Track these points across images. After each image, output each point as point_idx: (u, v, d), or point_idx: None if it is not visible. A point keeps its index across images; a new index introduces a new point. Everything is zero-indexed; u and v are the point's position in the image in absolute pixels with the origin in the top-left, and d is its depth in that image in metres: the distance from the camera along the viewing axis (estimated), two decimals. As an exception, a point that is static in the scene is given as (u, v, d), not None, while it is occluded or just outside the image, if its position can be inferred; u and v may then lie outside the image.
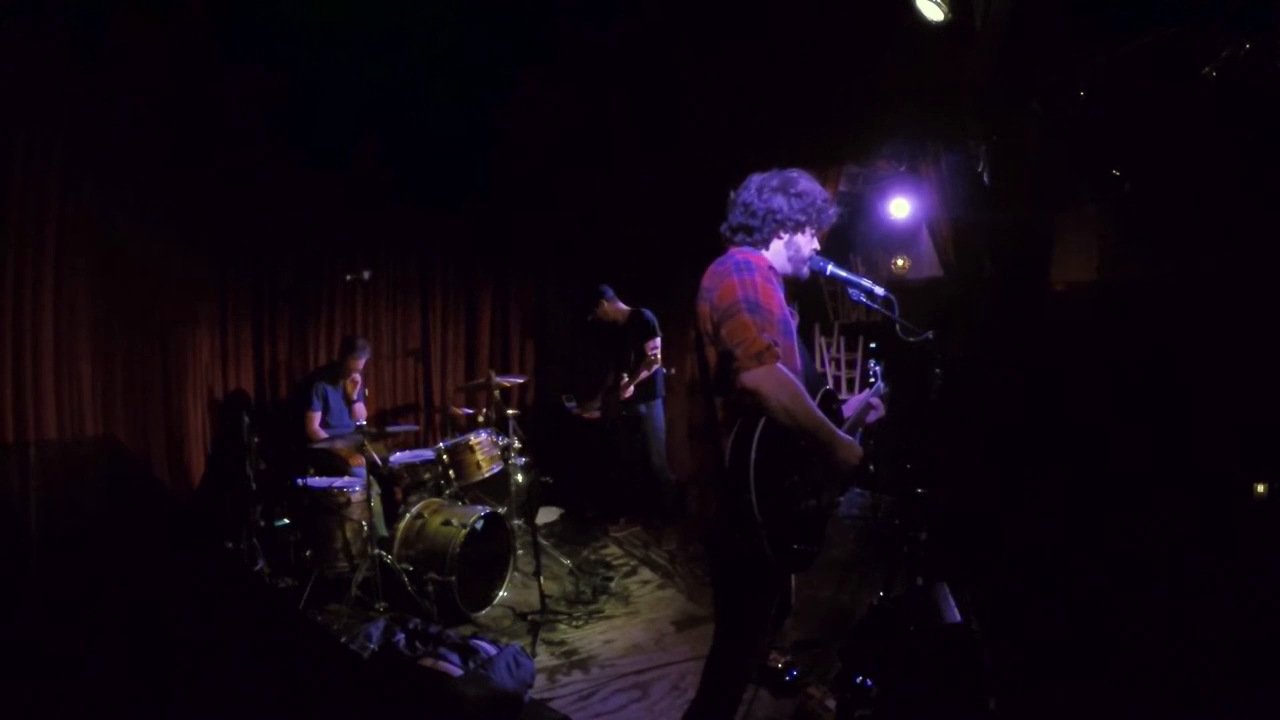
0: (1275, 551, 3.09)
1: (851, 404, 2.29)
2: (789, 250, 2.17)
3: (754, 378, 1.85)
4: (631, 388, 5.00)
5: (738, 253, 2.11)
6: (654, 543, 5.05)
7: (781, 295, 2.05)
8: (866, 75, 4.04)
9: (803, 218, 2.13)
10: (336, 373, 4.80)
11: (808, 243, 2.18)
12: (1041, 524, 3.84)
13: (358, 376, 4.84)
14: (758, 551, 1.87)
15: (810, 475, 1.99)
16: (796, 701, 2.89)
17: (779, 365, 1.87)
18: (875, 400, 2.29)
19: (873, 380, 2.40)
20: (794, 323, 2.11)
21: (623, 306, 5.19)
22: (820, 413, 1.93)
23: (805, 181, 2.16)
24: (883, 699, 2.60)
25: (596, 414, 5.40)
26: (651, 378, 5.00)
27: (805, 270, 2.20)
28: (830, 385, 2.18)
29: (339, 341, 5.19)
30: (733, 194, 2.20)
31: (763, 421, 1.87)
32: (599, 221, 6.18)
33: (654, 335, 5.01)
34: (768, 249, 2.16)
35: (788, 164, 2.23)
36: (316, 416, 4.64)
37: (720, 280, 2.00)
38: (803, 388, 1.89)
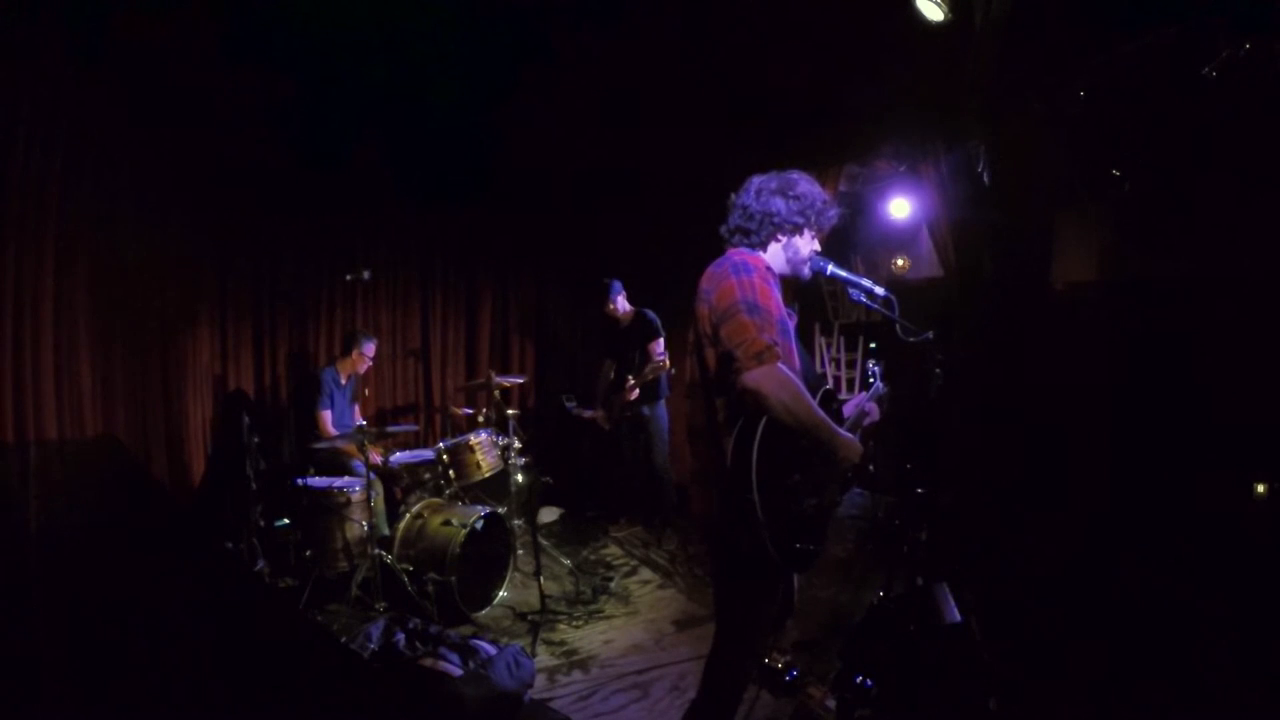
0: (1275, 551, 3.09)
1: (850, 405, 2.29)
2: (787, 252, 2.18)
3: (755, 377, 1.85)
4: (636, 389, 4.99)
5: (735, 254, 2.11)
6: (654, 543, 5.05)
7: (779, 295, 2.06)
8: (867, 75, 4.04)
9: (800, 220, 2.14)
10: (344, 368, 4.79)
11: (807, 244, 2.19)
12: (1041, 524, 3.83)
13: (369, 363, 4.86)
14: (760, 550, 1.87)
15: (812, 474, 1.99)
16: (796, 701, 2.88)
17: (779, 365, 1.87)
18: (871, 405, 2.30)
19: (872, 381, 2.41)
20: (792, 323, 2.11)
21: (627, 306, 5.17)
22: (821, 411, 1.93)
23: (805, 184, 2.17)
24: (883, 699, 2.60)
25: (600, 414, 5.37)
26: (656, 379, 5.00)
27: (806, 271, 2.20)
28: (830, 385, 2.19)
29: (339, 341, 5.20)
30: (733, 196, 2.21)
31: (764, 421, 1.88)
32: (599, 221, 6.18)
33: (658, 336, 5.00)
34: (765, 251, 2.17)
35: (789, 164, 2.23)
36: (329, 415, 4.64)
37: (718, 282, 2.01)
38: (803, 387, 1.90)
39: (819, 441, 1.94)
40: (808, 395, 1.90)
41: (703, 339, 2.06)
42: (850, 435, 2.02)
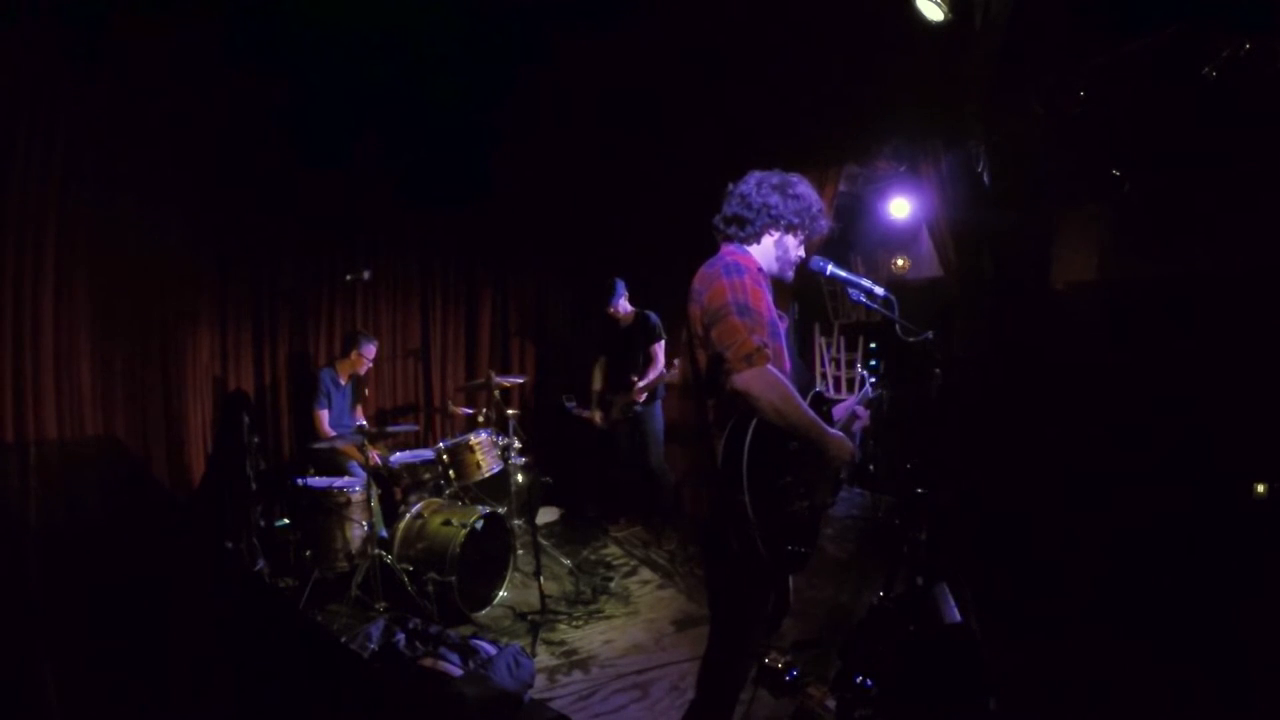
0: (1275, 551, 3.09)
1: (840, 408, 2.30)
2: (778, 249, 2.18)
3: (744, 379, 1.86)
4: (645, 392, 4.99)
5: (728, 254, 2.12)
6: (654, 543, 5.05)
7: (770, 297, 2.06)
8: (866, 75, 4.04)
9: (796, 219, 2.15)
10: (342, 369, 4.79)
11: (796, 246, 2.21)
12: (1041, 523, 3.83)
13: (368, 364, 4.86)
14: (751, 551, 1.87)
15: (803, 476, 2.00)
16: (796, 701, 2.88)
17: (769, 367, 1.88)
18: (860, 409, 2.30)
19: (869, 381, 2.41)
20: (783, 325, 2.12)
21: (629, 307, 5.17)
22: (811, 412, 1.94)
23: (803, 186, 2.18)
24: (883, 699, 2.60)
25: (599, 416, 5.35)
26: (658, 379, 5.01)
27: (790, 274, 2.23)
28: (829, 386, 2.19)
29: (339, 341, 5.19)
30: (731, 185, 2.21)
31: (754, 422, 1.88)
32: (599, 221, 6.17)
33: (660, 339, 5.01)
34: (758, 244, 2.17)
35: (789, 163, 2.25)
36: (325, 415, 4.64)
37: (710, 283, 2.01)
38: (793, 388, 1.90)
39: (809, 442, 1.94)
40: (798, 397, 1.91)
41: (694, 339, 2.07)
42: (840, 434, 2.02)
